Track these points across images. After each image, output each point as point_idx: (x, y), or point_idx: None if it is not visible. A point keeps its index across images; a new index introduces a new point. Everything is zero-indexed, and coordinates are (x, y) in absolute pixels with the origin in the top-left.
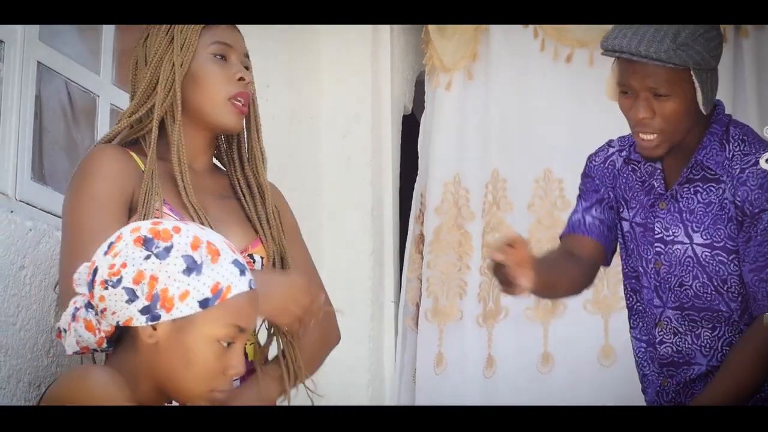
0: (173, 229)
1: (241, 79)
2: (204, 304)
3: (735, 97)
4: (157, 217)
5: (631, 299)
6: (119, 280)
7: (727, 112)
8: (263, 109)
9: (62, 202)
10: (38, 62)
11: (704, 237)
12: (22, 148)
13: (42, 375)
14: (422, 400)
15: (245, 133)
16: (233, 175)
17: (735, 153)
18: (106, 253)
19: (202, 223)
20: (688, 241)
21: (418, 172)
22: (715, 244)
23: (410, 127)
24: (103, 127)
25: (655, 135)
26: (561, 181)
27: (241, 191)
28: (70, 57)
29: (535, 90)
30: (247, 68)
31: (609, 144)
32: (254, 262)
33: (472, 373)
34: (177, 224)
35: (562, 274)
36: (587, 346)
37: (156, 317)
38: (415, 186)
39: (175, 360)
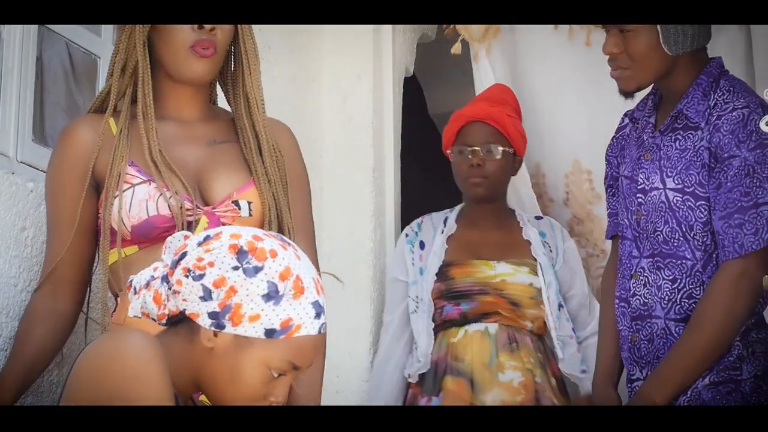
0: (270, 252)
1: (200, 27)
2: (270, 333)
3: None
4: (126, 181)
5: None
6: (201, 276)
7: None
8: (265, 71)
9: None
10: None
11: (676, 182)
12: (23, 110)
13: None
14: None
15: (241, 75)
16: (236, 118)
17: (718, 101)
18: (200, 244)
19: (164, 176)
20: (662, 186)
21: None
22: (685, 189)
23: (411, 89)
24: None
25: (622, 70)
26: (590, 173)
27: (241, 134)
28: None
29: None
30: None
31: (624, 115)
32: (239, 209)
33: None
34: (276, 247)
35: None
36: None
37: (221, 326)
38: None
39: (223, 371)
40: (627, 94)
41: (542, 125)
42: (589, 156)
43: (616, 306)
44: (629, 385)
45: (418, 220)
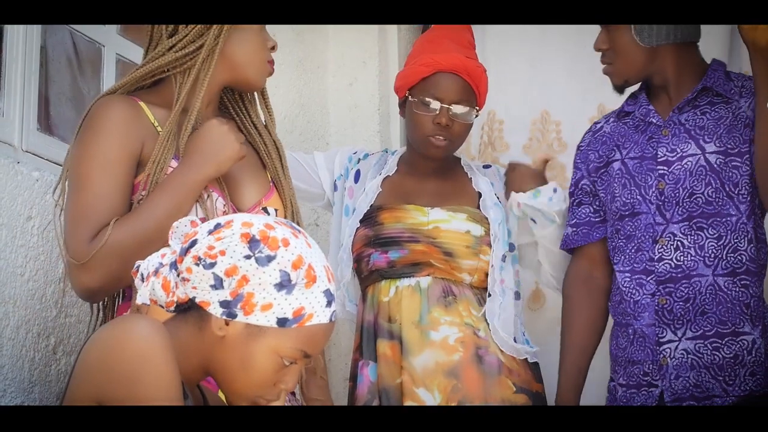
0: (282, 241)
1: (273, 48)
2: (282, 323)
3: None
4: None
5: (613, 239)
6: (212, 264)
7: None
8: None
9: (67, 152)
10: None
11: (717, 145)
12: (27, 99)
13: (50, 325)
14: None
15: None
16: (243, 125)
17: (744, 83)
18: (211, 233)
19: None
20: (700, 152)
21: None
22: (729, 150)
23: None
24: (109, 78)
25: (608, 65)
26: (558, 123)
27: (261, 143)
28: None
29: (531, 35)
30: None
31: (596, 123)
32: (269, 215)
33: None
34: (288, 236)
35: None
36: None
37: (233, 315)
38: None
39: (234, 359)
40: (618, 88)
41: (515, 73)
42: (561, 109)
43: (629, 279)
44: (657, 348)
45: (370, 151)
